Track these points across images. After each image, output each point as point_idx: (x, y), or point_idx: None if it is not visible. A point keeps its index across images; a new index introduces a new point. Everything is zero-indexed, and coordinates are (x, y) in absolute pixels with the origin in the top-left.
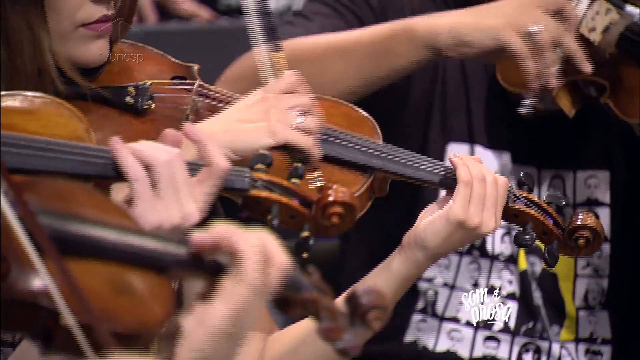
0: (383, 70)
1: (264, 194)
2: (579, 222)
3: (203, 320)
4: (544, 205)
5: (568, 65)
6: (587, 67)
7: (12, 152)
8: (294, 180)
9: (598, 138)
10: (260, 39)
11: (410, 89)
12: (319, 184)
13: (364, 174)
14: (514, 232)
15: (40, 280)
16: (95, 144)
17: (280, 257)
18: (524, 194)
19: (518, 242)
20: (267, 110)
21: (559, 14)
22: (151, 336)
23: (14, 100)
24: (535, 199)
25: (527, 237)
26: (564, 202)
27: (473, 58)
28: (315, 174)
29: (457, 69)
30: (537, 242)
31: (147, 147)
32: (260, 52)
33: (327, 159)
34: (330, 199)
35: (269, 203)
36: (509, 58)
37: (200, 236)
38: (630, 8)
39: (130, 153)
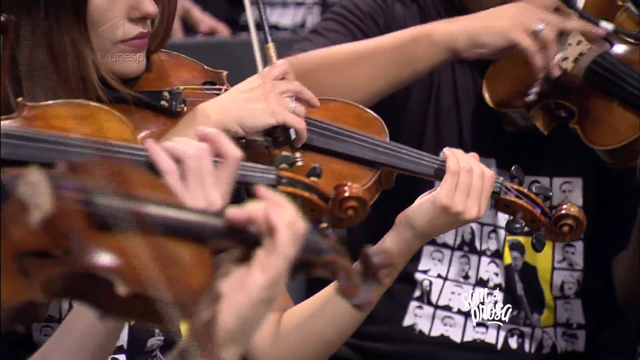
0: (406, 72)
1: (289, 189)
2: (563, 211)
3: (243, 287)
4: (533, 196)
5: (546, 88)
6: (601, 32)
7: (72, 151)
8: (312, 178)
9: (572, 150)
10: (254, 31)
11: (409, 98)
12: (299, 163)
13: (372, 169)
14: (500, 230)
15: (99, 254)
16: (138, 144)
17: (292, 215)
18: (515, 187)
19: (509, 229)
20: (266, 94)
21: (557, 10)
22: (196, 301)
23: (70, 108)
24: (525, 190)
25: (517, 225)
26: (550, 194)
27: (487, 57)
28: (298, 154)
29: (449, 83)
30: (521, 236)
31: (178, 143)
32: (254, 42)
33: (339, 155)
34: (346, 194)
35: (293, 197)
36: (501, 68)
37: (237, 211)
38: (604, 23)
39: (162, 149)
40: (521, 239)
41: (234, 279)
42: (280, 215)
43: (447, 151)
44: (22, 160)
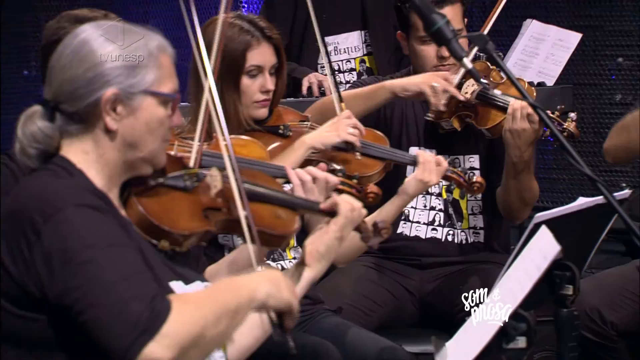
0: (372, 104)
1: (343, 187)
2: (475, 179)
3: (327, 232)
4: (460, 172)
5: (459, 106)
6: (462, 98)
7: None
8: (354, 180)
9: (473, 138)
10: (335, 93)
11: (392, 122)
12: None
13: (382, 162)
14: (442, 185)
15: (241, 210)
16: (268, 160)
17: (358, 205)
18: (452, 168)
19: (448, 187)
20: (337, 125)
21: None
22: (289, 238)
23: (236, 140)
24: (458, 170)
25: (451, 185)
26: (468, 171)
27: (411, 98)
28: (340, 167)
29: (411, 109)
30: (456, 189)
31: (305, 174)
32: (334, 99)
33: (365, 155)
34: (369, 189)
35: (343, 191)
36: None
37: (326, 203)
38: (466, 60)
39: (294, 172)
40: (457, 188)
41: (324, 229)
42: (342, 206)
43: (418, 151)
44: (208, 165)
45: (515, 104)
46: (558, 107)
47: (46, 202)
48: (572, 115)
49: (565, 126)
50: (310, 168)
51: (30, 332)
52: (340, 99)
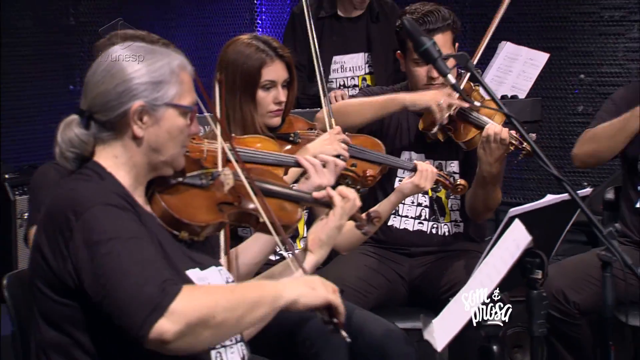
0: (383, 113)
1: (349, 173)
2: (459, 182)
3: (327, 222)
4: (446, 176)
5: (448, 122)
6: (467, 104)
7: (249, 154)
8: (353, 167)
9: (454, 147)
10: (327, 112)
11: (388, 130)
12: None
13: (379, 165)
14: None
15: (253, 204)
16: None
17: (352, 196)
18: (441, 173)
19: (434, 190)
20: (332, 140)
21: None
22: (294, 227)
23: (252, 137)
24: (445, 174)
25: (439, 188)
26: (452, 175)
27: (419, 110)
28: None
29: (405, 120)
30: (442, 190)
31: (313, 161)
32: (326, 116)
33: (364, 159)
34: (368, 173)
35: (348, 176)
36: (428, 113)
37: (321, 193)
38: (450, 76)
39: (307, 160)
40: (443, 189)
41: (324, 219)
42: (335, 198)
43: (417, 161)
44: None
45: (490, 130)
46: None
47: (77, 202)
48: (532, 136)
49: (524, 146)
50: (319, 154)
51: (63, 313)
52: (331, 115)
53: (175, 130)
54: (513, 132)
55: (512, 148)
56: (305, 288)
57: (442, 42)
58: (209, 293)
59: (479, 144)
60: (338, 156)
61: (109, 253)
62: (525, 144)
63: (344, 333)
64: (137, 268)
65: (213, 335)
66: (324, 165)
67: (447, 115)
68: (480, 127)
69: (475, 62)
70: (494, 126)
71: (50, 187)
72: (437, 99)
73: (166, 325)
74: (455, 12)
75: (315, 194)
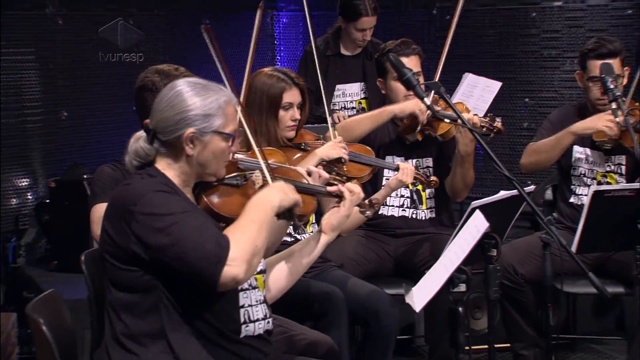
0: (379, 123)
1: (335, 181)
2: (432, 178)
3: (338, 211)
4: (422, 175)
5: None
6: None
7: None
8: (345, 168)
9: (430, 145)
10: (331, 126)
11: (375, 138)
12: (345, 168)
13: (369, 167)
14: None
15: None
16: (289, 164)
17: (357, 190)
18: (418, 172)
19: (413, 183)
20: (335, 146)
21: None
22: (309, 215)
23: (268, 151)
24: (421, 172)
25: (417, 182)
26: (428, 174)
27: (404, 117)
28: (345, 168)
29: (386, 130)
30: (419, 185)
31: (314, 172)
32: (330, 129)
33: (358, 163)
34: (360, 174)
35: (341, 175)
36: (409, 119)
37: (333, 188)
38: (426, 99)
39: (305, 170)
40: (420, 184)
41: (336, 208)
42: (345, 192)
43: (399, 161)
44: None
45: (465, 117)
46: (489, 114)
47: (134, 192)
48: (498, 119)
49: (495, 124)
50: (309, 166)
51: (129, 279)
52: (334, 129)
53: (218, 152)
54: (483, 117)
55: (483, 130)
56: (282, 194)
57: (413, 63)
58: (244, 231)
59: (455, 131)
60: (340, 158)
61: (170, 226)
62: (495, 123)
63: (296, 221)
64: (195, 233)
65: (260, 257)
66: (309, 174)
67: (426, 117)
68: (453, 121)
69: (437, 74)
70: (466, 115)
71: (104, 181)
72: (419, 105)
73: (233, 271)
74: (426, 39)
75: (329, 188)
